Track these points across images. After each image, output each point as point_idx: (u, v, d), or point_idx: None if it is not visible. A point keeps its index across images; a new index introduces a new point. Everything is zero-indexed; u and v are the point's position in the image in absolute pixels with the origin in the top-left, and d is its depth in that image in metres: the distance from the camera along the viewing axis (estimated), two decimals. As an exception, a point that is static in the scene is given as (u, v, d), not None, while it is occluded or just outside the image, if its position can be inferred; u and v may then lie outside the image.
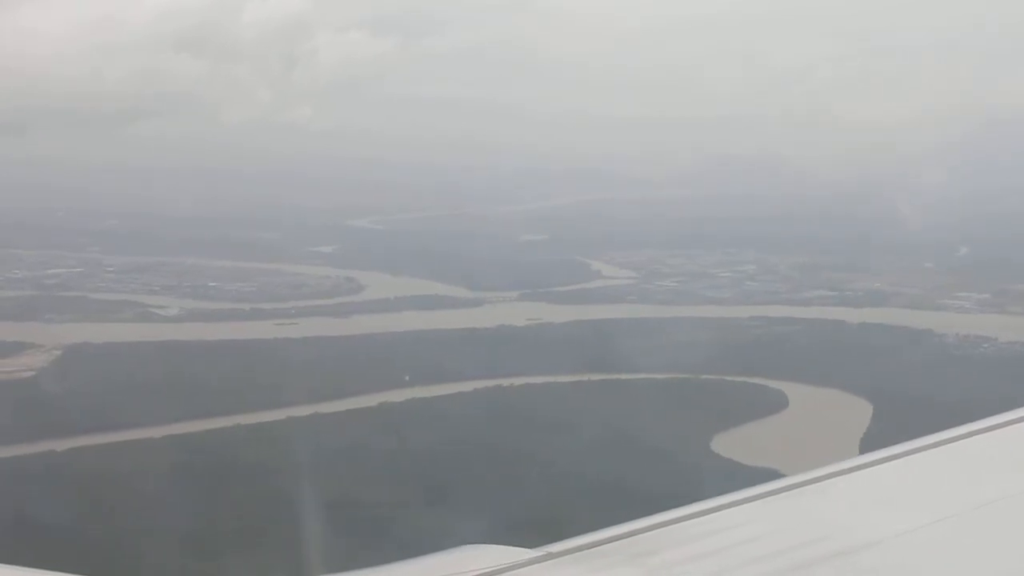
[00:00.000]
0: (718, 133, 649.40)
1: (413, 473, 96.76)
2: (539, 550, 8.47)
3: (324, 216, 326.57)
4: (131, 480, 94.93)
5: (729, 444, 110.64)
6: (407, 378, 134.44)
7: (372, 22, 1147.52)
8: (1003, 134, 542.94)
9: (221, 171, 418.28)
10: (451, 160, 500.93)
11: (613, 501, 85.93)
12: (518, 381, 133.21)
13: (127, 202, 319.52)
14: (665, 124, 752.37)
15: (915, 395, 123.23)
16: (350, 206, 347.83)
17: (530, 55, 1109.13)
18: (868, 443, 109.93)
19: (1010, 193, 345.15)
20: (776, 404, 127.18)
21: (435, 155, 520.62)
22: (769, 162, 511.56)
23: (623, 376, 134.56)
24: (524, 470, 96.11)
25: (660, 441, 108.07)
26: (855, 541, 8.93)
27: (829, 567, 8.55)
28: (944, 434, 11.53)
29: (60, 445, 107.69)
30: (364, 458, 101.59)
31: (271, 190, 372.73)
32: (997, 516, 9.47)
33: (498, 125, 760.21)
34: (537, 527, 70.27)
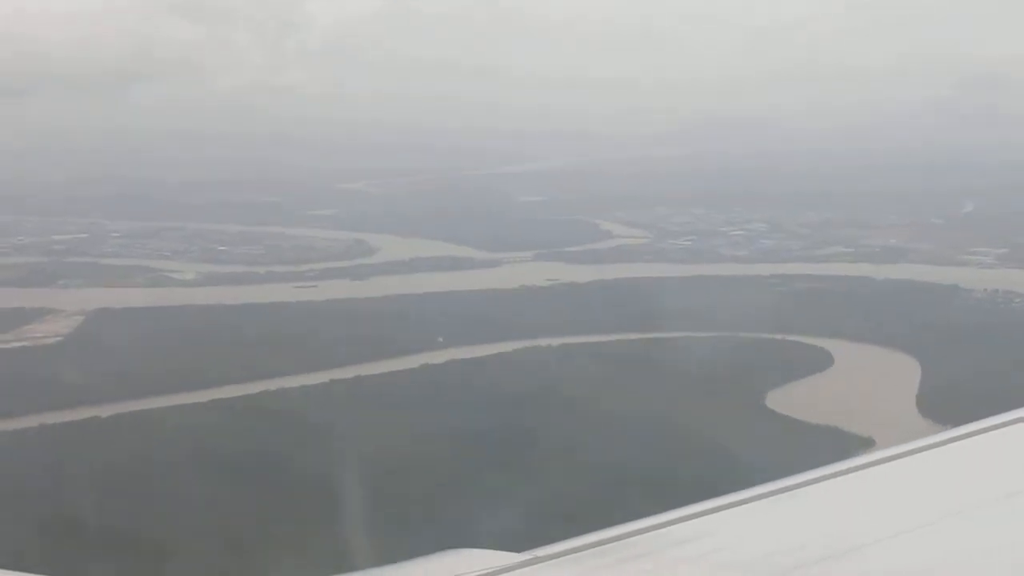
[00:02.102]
0: (704, 92, 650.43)
1: (472, 432, 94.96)
2: (526, 554, 8.41)
3: (320, 179, 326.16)
4: (193, 444, 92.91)
5: (785, 401, 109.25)
6: (440, 339, 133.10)
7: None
8: (987, 89, 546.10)
9: (217, 135, 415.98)
10: (441, 122, 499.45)
11: (692, 460, 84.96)
12: (555, 341, 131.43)
13: (125, 167, 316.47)
14: (650, 84, 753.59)
15: (959, 351, 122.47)
16: (344, 169, 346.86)
17: (517, 15, 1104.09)
18: (925, 400, 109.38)
19: (1003, 147, 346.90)
20: (821, 361, 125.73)
21: (425, 117, 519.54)
22: (756, 120, 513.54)
23: (661, 335, 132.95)
24: (599, 427, 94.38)
25: (715, 399, 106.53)
26: (842, 545, 8.76)
27: (817, 571, 8.42)
28: (936, 437, 11.29)
29: (104, 411, 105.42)
30: (423, 419, 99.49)
31: (266, 154, 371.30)
32: (990, 518, 9.34)
33: (486, 86, 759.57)
34: (645, 486, 68.98)
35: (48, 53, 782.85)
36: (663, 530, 9.14)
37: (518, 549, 8.63)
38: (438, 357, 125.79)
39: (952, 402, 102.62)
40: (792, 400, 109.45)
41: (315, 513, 73.39)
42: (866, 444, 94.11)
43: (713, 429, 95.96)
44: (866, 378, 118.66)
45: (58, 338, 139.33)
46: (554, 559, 8.52)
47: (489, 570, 8.22)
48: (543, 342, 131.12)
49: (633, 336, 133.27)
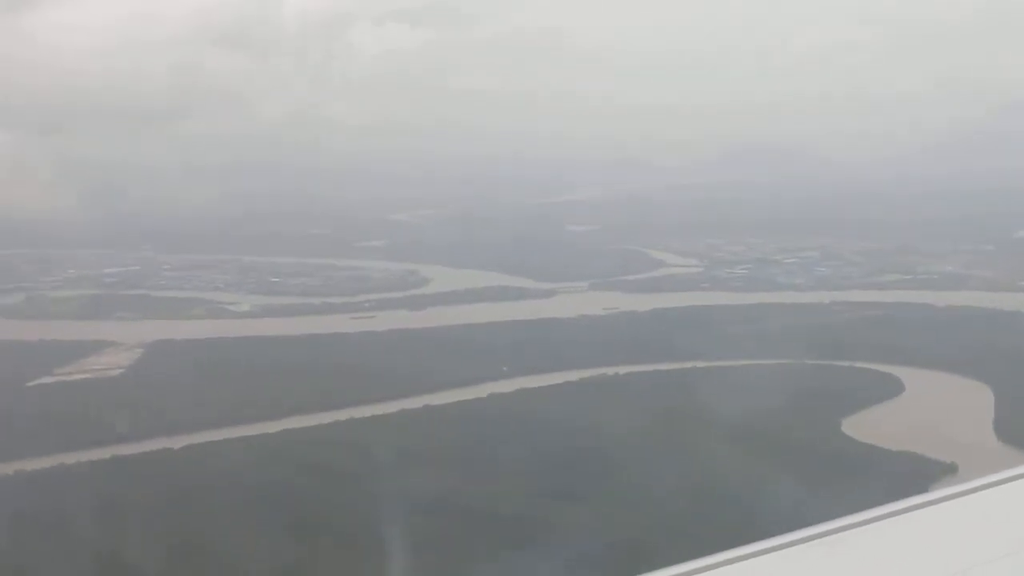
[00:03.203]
0: (743, 119, 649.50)
1: (551, 463, 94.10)
2: None
3: (366, 210, 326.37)
4: (265, 476, 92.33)
5: (861, 428, 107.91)
6: (505, 369, 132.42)
7: (409, 14, 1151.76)
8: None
9: (262, 167, 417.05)
10: (483, 151, 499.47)
11: (782, 488, 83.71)
12: (622, 370, 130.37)
13: (172, 200, 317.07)
14: (689, 111, 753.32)
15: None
16: (390, 200, 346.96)
17: (555, 44, 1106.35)
18: (1001, 426, 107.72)
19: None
20: (892, 388, 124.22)
21: (466, 147, 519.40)
22: (796, 147, 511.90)
23: (728, 363, 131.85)
24: (683, 457, 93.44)
25: (791, 428, 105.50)
26: None
27: None
28: (956, 488, 11.03)
29: (175, 442, 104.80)
30: (501, 450, 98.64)
31: (312, 185, 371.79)
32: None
33: (527, 115, 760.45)
34: (737, 514, 67.95)
35: (91, 87, 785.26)
36: (709, 573, 8.98)
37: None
38: (506, 387, 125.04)
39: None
40: (868, 427, 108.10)
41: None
42: (949, 470, 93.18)
43: (794, 458, 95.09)
44: (939, 405, 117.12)
45: (120, 370, 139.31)
46: None
47: None
48: (609, 371, 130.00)
49: (700, 364, 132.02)
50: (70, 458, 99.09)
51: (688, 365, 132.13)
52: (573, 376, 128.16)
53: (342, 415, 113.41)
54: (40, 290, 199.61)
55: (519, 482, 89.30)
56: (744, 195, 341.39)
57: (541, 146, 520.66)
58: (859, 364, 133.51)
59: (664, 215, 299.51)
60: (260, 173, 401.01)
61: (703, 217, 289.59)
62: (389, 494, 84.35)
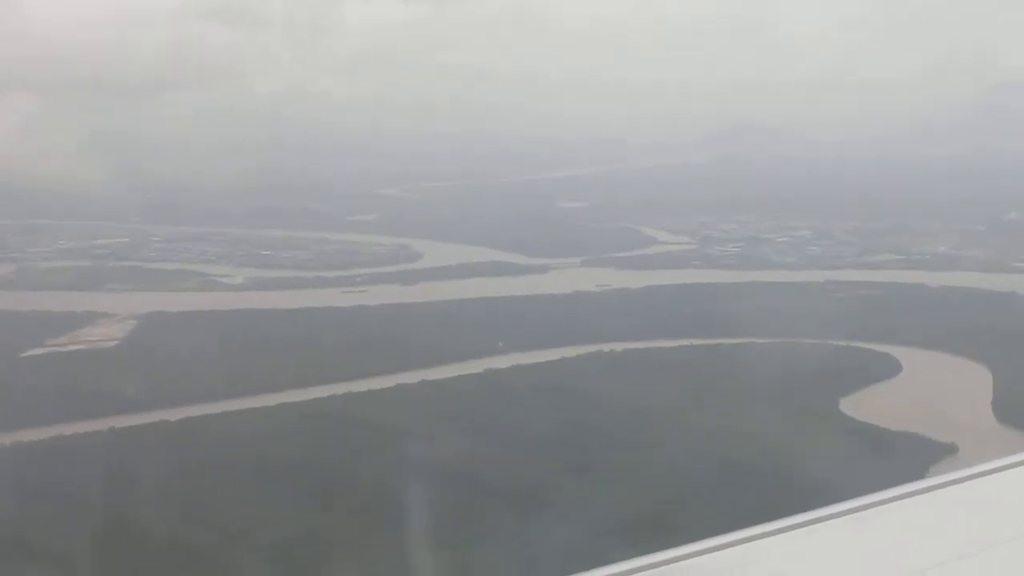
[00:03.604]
0: (735, 99, 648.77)
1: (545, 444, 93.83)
2: None
3: (357, 185, 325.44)
4: (264, 449, 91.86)
5: (860, 407, 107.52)
6: (500, 344, 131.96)
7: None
8: (1018, 95, 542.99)
9: (253, 140, 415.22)
10: (473, 128, 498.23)
11: (773, 469, 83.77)
12: (619, 347, 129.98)
13: (162, 172, 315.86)
14: (680, 90, 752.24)
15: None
16: (380, 175, 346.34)
17: (544, 22, 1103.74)
18: (1000, 407, 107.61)
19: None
20: (889, 367, 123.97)
21: (457, 123, 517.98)
22: (789, 127, 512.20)
23: (724, 341, 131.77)
24: (683, 435, 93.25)
25: (790, 406, 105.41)
26: (897, 571, 8.71)
27: None
28: (962, 472, 11.05)
29: (171, 415, 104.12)
30: (500, 425, 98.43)
31: (302, 160, 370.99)
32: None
33: (516, 93, 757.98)
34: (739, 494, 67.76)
35: (83, 57, 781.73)
36: (709, 556, 8.95)
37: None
38: (501, 362, 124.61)
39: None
40: (867, 407, 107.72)
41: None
42: (950, 450, 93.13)
43: (794, 436, 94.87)
44: (937, 384, 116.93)
45: (114, 342, 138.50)
46: None
47: None
48: (606, 347, 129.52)
49: (697, 342, 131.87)
50: (67, 429, 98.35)
51: (683, 343, 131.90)
52: (569, 352, 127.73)
53: (339, 389, 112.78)
54: (30, 261, 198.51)
55: (522, 456, 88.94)
56: (733, 174, 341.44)
57: (530, 123, 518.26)
58: (855, 344, 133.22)
59: (655, 193, 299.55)
60: (249, 147, 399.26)
61: (694, 195, 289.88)
62: (391, 468, 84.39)
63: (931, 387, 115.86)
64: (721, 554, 9.08)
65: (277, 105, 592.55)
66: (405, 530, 70.90)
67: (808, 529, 9.62)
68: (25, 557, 70.37)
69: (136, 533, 72.42)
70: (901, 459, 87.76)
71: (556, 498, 77.62)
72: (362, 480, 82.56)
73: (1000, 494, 10.73)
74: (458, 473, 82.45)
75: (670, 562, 8.83)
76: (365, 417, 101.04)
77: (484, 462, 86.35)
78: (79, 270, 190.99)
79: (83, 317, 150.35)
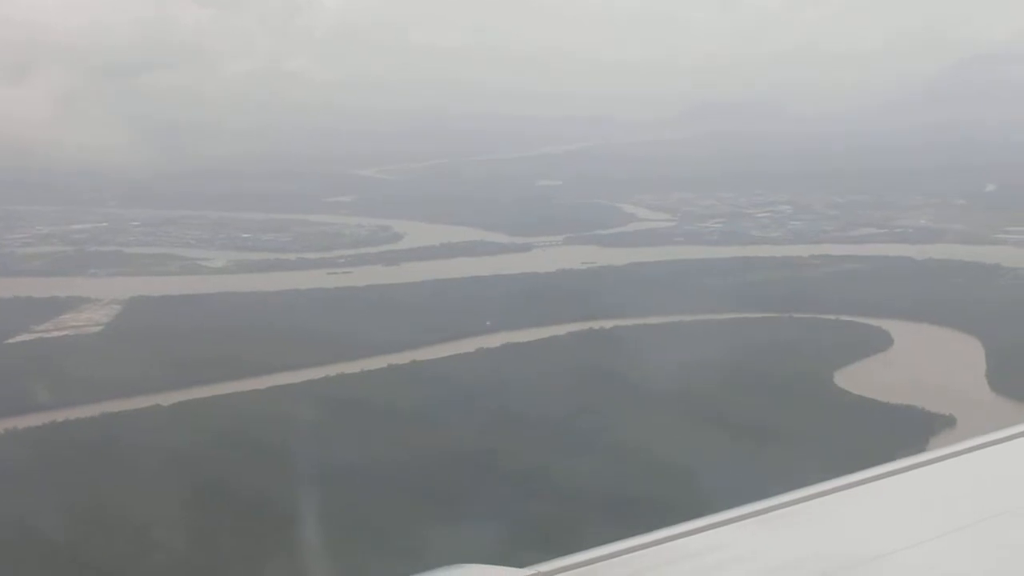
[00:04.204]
0: (708, 75, 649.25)
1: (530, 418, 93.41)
2: (529, 569, 8.22)
3: (332, 166, 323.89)
4: (262, 432, 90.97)
5: (854, 381, 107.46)
6: (488, 323, 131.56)
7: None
8: (985, 68, 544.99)
9: (226, 122, 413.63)
10: (450, 107, 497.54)
11: (780, 440, 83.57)
12: (608, 324, 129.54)
13: (136, 155, 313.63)
14: (654, 66, 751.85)
15: (1016, 328, 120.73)
16: (356, 155, 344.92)
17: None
18: (994, 378, 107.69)
19: (1006, 125, 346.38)
20: (881, 341, 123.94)
21: (433, 102, 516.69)
22: (761, 102, 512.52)
23: (713, 316, 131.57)
24: (685, 409, 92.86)
25: (784, 380, 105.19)
26: (862, 554, 8.68)
27: None
28: (947, 449, 11.19)
29: (164, 399, 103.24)
30: (495, 404, 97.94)
31: (277, 140, 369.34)
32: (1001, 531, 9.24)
33: (494, 71, 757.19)
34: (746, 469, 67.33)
35: (54, 40, 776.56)
36: (676, 542, 8.95)
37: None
38: (491, 341, 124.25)
39: (1018, 376, 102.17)
40: (861, 380, 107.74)
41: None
42: (948, 423, 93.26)
43: (793, 410, 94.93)
44: (930, 357, 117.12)
45: (99, 327, 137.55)
46: (559, 573, 8.32)
47: None
48: (595, 325, 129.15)
49: (687, 318, 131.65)
50: (60, 415, 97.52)
51: (673, 319, 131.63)
52: (559, 331, 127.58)
53: (331, 371, 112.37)
54: (9, 247, 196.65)
55: (523, 434, 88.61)
56: (708, 150, 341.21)
57: (505, 101, 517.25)
58: (844, 317, 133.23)
59: (631, 170, 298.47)
60: (225, 128, 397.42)
61: (670, 171, 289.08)
62: (389, 448, 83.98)
63: (924, 360, 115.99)
64: (711, 534, 9.14)
65: (250, 85, 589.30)
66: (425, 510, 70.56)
67: (804, 505, 9.75)
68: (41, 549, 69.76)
69: (130, 518, 71.67)
70: (901, 432, 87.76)
71: (549, 471, 77.32)
72: (356, 460, 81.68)
73: (998, 466, 10.81)
74: (454, 450, 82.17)
75: (649, 546, 8.88)
76: (357, 398, 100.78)
77: (479, 438, 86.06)
78: (58, 256, 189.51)
79: (66, 302, 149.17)
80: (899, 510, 9.71)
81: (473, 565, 8.25)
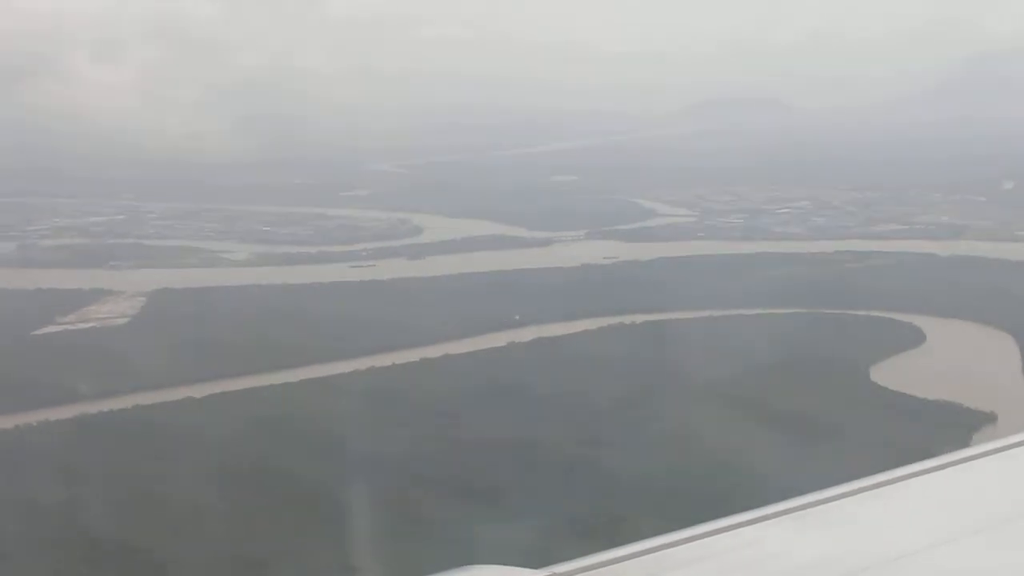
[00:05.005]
0: (718, 69, 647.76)
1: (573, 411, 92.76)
2: (544, 570, 8.14)
3: (346, 160, 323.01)
4: (302, 424, 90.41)
5: (891, 377, 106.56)
6: (517, 317, 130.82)
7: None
8: (997, 65, 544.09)
9: (240, 114, 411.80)
10: (462, 101, 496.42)
11: (824, 437, 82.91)
12: (638, 319, 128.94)
13: (150, 148, 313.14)
14: (662, 59, 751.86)
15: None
16: (370, 149, 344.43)
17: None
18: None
19: (1018, 123, 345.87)
20: (914, 336, 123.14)
21: (444, 96, 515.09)
22: (772, 96, 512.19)
23: (744, 311, 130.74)
24: (729, 405, 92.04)
25: (820, 376, 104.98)
26: (881, 556, 8.63)
27: None
28: (976, 449, 11.15)
29: (196, 392, 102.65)
30: (532, 398, 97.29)
31: (289, 135, 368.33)
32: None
33: (505, 64, 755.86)
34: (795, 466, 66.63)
35: (65, 30, 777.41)
36: (701, 541, 8.92)
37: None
38: (522, 335, 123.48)
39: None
40: (898, 376, 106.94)
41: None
42: (990, 419, 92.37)
43: (834, 406, 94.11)
44: (965, 353, 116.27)
45: (125, 319, 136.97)
46: (576, 574, 8.27)
47: None
48: (627, 319, 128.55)
49: (717, 313, 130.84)
50: (91, 407, 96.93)
51: (704, 314, 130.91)
52: (591, 325, 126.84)
53: (362, 364, 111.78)
54: (30, 239, 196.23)
55: (569, 429, 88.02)
56: (726, 144, 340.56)
57: (517, 95, 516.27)
58: (875, 313, 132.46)
59: (646, 165, 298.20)
60: (238, 120, 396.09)
61: (684, 166, 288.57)
62: (435, 440, 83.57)
63: (959, 355, 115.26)
64: (735, 533, 9.11)
65: (261, 78, 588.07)
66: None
67: (856, 497, 9.79)
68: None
69: (173, 512, 71.15)
70: (942, 429, 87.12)
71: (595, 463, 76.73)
72: (400, 452, 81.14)
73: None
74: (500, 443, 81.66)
75: (685, 542, 8.86)
76: (392, 391, 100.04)
77: (527, 432, 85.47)
78: (77, 248, 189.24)
79: (90, 295, 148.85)
80: (927, 510, 9.70)
81: (489, 566, 8.19)
